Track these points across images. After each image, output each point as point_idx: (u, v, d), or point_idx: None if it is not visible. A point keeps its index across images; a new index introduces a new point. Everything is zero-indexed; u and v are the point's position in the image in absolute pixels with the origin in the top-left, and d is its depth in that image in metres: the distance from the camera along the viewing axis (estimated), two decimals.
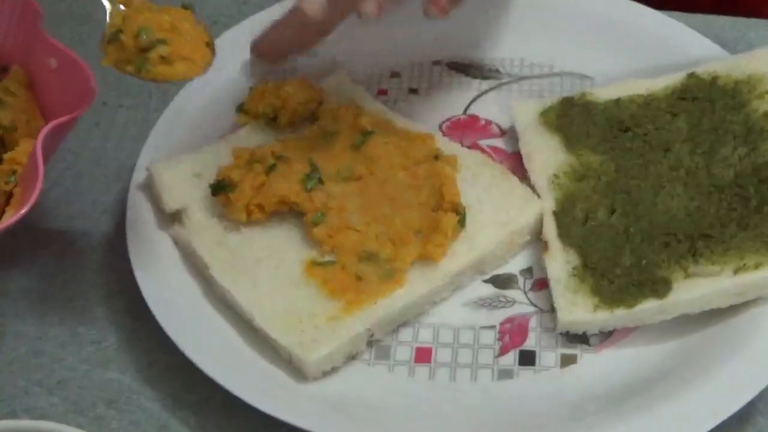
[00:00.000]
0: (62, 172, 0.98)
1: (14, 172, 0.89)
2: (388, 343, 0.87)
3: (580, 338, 0.86)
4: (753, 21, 1.08)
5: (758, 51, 0.98)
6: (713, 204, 0.89)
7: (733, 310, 0.85)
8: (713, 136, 0.93)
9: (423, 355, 0.86)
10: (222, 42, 1.02)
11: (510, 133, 0.99)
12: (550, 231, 0.90)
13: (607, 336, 0.86)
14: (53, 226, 0.96)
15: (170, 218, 0.91)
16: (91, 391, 0.86)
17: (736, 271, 0.85)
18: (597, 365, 0.85)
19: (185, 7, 0.86)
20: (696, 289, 0.85)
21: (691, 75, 0.97)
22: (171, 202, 0.91)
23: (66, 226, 0.96)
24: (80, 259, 0.94)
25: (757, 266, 0.84)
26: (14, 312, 0.91)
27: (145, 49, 0.82)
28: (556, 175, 0.93)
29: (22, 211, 0.84)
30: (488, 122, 1.01)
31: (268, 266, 0.88)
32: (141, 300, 0.86)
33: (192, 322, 0.86)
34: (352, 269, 0.87)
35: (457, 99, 1.02)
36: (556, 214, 0.90)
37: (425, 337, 0.87)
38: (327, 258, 0.88)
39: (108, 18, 0.84)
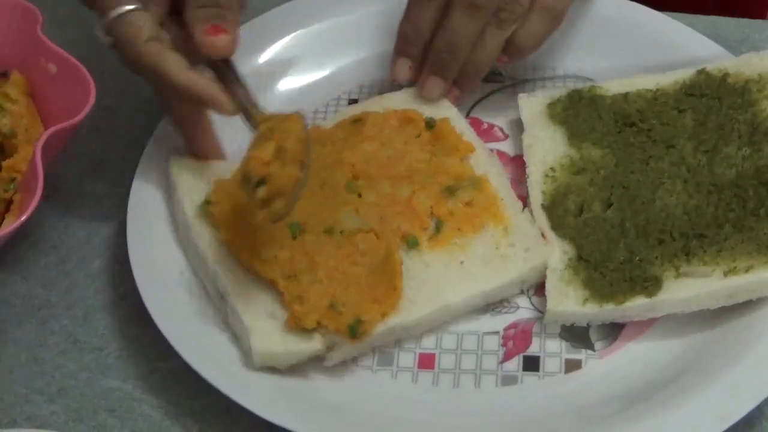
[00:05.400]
0: (62, 178, 0.97)
1: (13, 180, 0.89)
2: (391, 350, 0.86)
3: (585, 344, 0.86)
4: (757, 22, 1.08)
5: None
6: (711, 203, 0.88)
7: (738, 314, 0.84)
8: (718, 135, 0.92)
9: (426, 362, 0.86)
10: None
11: (513, 137, 0.98)
12: (543, 223, 0.89)
13: (611, 341, 0.86)
14: (54, 233, 0.95)
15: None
16: (92, 399, 0.85)
17: (727, 273, 0.84)
18: (601, 371, 0.85)
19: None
20: (686, 289, 0.84)
21: (701, 71, 0.96)
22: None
23: (66, 233, 0.95)
24: (81, 265, 0.93)
25: (747, 269, 0.84)
26: (15, 319, 0.90)
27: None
28: (552, 168, 0.92)
29: (22, 218, 0.84)
30: (491, 125, 1.00)
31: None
32: (142, 307, 0.85)
33: (193, 329, 0.85)
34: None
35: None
36: (544, 207, 0.90)
37: (428, 343, 0.87)
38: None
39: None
